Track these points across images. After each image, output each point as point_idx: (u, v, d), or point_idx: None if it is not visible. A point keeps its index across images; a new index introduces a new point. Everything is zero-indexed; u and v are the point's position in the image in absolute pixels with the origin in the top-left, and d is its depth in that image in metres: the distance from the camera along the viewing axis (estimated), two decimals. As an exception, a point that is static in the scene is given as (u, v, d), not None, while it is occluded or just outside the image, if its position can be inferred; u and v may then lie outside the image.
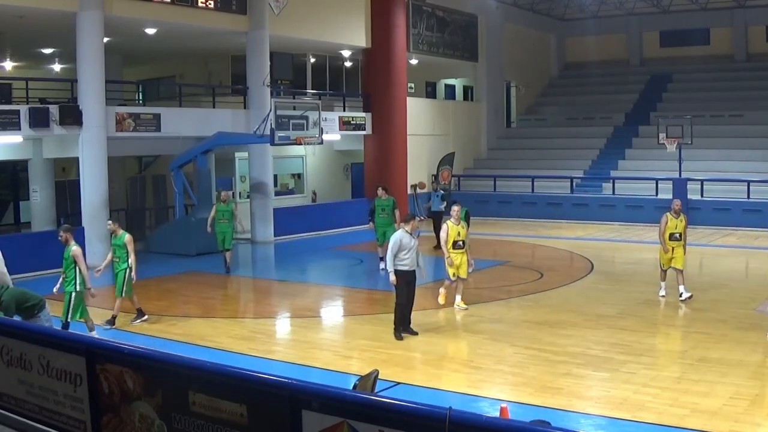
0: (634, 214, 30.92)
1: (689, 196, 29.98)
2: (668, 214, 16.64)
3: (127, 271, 14.69)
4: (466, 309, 15.61)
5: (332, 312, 17.26)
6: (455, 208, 15.80)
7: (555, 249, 25.05)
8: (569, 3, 42.02)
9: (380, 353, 12.83)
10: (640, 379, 11.05)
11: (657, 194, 31.38)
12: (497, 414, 7.92)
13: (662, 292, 16.73)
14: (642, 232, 27.80)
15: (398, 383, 10.98)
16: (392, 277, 13.56)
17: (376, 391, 7.82)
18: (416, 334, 13.68)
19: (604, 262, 22.35)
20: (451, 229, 15.57)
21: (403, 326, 13.69)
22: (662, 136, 30.47)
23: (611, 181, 33.35)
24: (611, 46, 44.31)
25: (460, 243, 15.56)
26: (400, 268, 13.54)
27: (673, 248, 16.42)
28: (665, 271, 16.78)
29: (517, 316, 14.45)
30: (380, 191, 21.11)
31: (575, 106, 41.35)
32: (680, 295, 16.21)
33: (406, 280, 13.69)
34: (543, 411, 9.55)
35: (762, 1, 39.17)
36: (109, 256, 15.18)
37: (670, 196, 30.33)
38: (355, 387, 7.55)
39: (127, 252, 14.74)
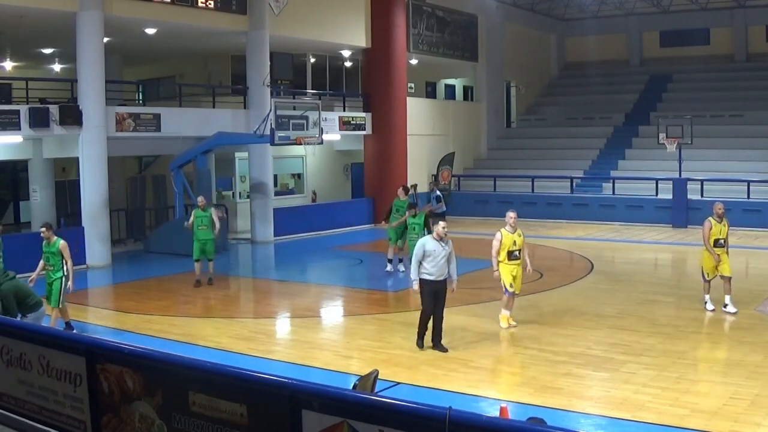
0: (634, 214, 30.93)
1: (689, 196, 29.99)
2: (711, 218, 15.47)
3: (63, 279, 13.91)
4: (515, 326, 14.32)
5: (332, 312, 17.27)
6: (510, 215, 14.27)
7: (555, 249, 25.04)
8: (569, 3, 42.03)
9: (380, 353, 12.84)
10: (640, 379, 11.05)
11: (657, 194, 31.40)
12: (497, 414, 7.92)
13: (710, 306, 15.46)
14: (642, 233, 27.82)
15: (398, 383, 10.99)
16: (415, 285, 12.60)
17: (376, 391, 7.82)
18: (446, 350, 12.62)
19: (604, 262, 22.36)
20: (505, 237, 14.01)
21: (433, 339, 12.72)
22: (662, 136, 30.48)
23: (611, 181, 33.35)
24: (611, 46, 44.32)
25: (517, 253, 14.08)
26: (424, 276, 12.49)
27: (718, 255, 15.24)
28: (709, 282, 15.54)
29: (516, 315, 14.42)
30: (400, 191, 20.88)
31: (575, 106, 41.36)
32: (724, 306, 15.25)
33: (432, 290, 12.51)
34: (543, 411, 9.53)
35: (762, 1, 39.17)
36: (41, 264, 14.27)
37: (670, 196, 30.42)
38: (355, 387, 7.55)
39: (63, 259, 13.97)
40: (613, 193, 32.76)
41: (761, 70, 39.63)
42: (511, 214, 14.29)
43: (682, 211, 30.11)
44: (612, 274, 20.81)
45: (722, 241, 15.31)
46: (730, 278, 15.30)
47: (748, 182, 30.07)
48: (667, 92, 40.48)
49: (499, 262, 14.01)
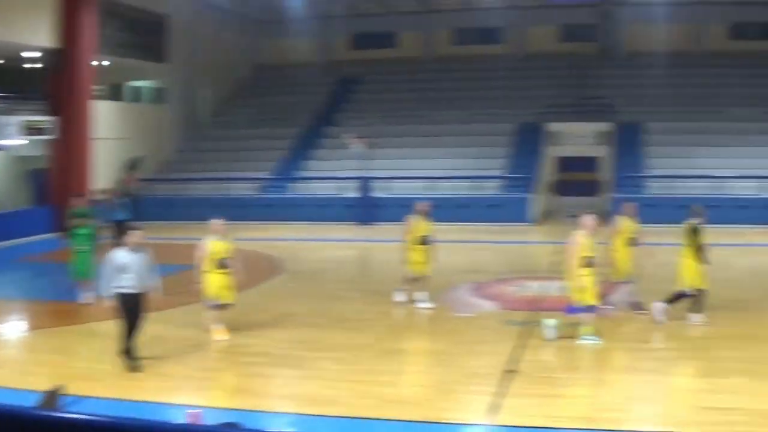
0: (321, 213, 31.61)
1: (376, 194, 31.17)
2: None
3: None
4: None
5: (13, 327, 16.01)
6: (217, 222, 13.71)
7: (244, 250, 24.90)
8: (263, 6, 42.15)
9: (67, 368, 12.08)
10: (331, 375, 11.21)
11: (343, 193, 32.31)
12: (190, 420, 7.67)
13: (401, 298, 15.89)
14: (329, 231, 28.47)
15: (85, 397, 10.37)
16: (107, 302, 11.73)
17: (60, 406, 7.32)
18: (138, 361, 11.68)
19: (292, 262, 22.58)
20: (212, 246, 13.47)
21: (127, 351, 11.68)
22: (349, 136, 31.39)
23: (298, 181, 33.87)
24: (303, 49, 44.87)
25: (226, 262, 13.50)
26: (121, 290, 11.54)
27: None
28: (416, 279, 15.86)
29: (206, 318, 14.14)
30: (80, 199, 19.78)
31: (265, 107, 41.55)
32: (413, 302, 15.75)
33: (129, 303, 11.57)
34: (236, 413, 9.40)
35: (449, 7, 41.57)
36: None
37: (357, 195, 31.39)
38: (40, 404, 7.02)
39: None
40: (301, 193, 33.29)
41: (447, 72, 41.89)
42: (217, 222, 13.78)
43: (368, 209, 31.15)
44: (301, 273, 21.05)
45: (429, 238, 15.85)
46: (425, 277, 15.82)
47: (431, 179, 31.72)
48: (356, 93, 41.72)
49: (204, 272, 13.38)
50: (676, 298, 13.93)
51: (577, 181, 36.60)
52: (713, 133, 34.63)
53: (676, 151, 33.54)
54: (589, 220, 13.06)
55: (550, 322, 12.85)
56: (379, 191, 31.82)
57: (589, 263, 12.78)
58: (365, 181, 31.45)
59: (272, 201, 33.04)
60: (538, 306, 15.77)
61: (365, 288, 18.60)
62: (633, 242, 15.13)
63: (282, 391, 10.73)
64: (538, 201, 33.08)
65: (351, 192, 32.08)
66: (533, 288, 17.82)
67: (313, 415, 9.64)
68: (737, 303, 13.80)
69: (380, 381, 10.80)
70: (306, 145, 37.51)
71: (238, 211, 32.42)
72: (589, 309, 12.71)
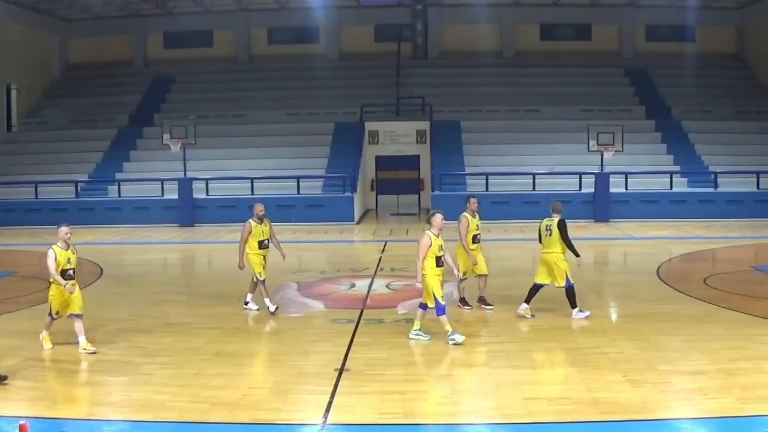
0: (141, 216, 31.07)
1: (195, 195, 30.87)
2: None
3: None
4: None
5: None
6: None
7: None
8: (73, 3, 40.78)
9: None
10: (159, 379, 11.01)
11: (163, 194, 31.79)
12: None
13: (272, 308, 15.08)
14: (150, 233, 27.93)
15: None
16: None
17: None
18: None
19: (113, 266, 22.03)
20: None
21: None
22: (166, 137, 30.95)
23: (117, 183, 33.03)
24: (116, 48, 43.83)
25: (71, 272, 12.59)
26: None
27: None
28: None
29: (28, 327, 13.59)
30: None
31: (79, 108, 40.26)
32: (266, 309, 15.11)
33: None
34: (65, 423, 9.25)
35: (264, 6, 41.49)
36: None
37: (176, 196, 30.94)
38: None
39: None
40: (119, 196, 32.51)
41: (263, 71, 41.82)
42: (64, 229, 12.65)
43: (188, 211, 30.78)
44: (122, 277, 20.58)
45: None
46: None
47: (252, 179, 31.66)
48: (171, 93, 41.07)
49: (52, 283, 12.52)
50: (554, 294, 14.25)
51: (397, 179, 37.43)
52: (530, 131, 36.15)
53: (493, 149, 34.84)
54: (438, 218, 12.82)
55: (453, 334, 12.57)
56: (199, 192, 31.48)
57: (439, 262, 12.64)
58: (185, 183, 31.01)
59: (90, 204, 32.12)
60: (364, 304, 16.02)
61: (189, 291, 18.37)
62: (476, 239, 15.00)
63: (110, 398, 10.45)
64: (359, 200, 33.56)
65: (171, 193, 31.57)
66: (358, 286, 18.08)
67: (144, 421, 9.48)
68: (560, 295, 14.40)
69: (212, 384, 10.70)
70: (124, 146, 36.61)
71: (55, 215, 31.35)
72: (440, 307, 12.53)
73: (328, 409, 9.58)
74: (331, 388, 10.35)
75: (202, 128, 31.92)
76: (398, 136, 37.61)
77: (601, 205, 30.96)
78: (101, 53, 43.51)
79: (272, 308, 15.07)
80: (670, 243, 25.10)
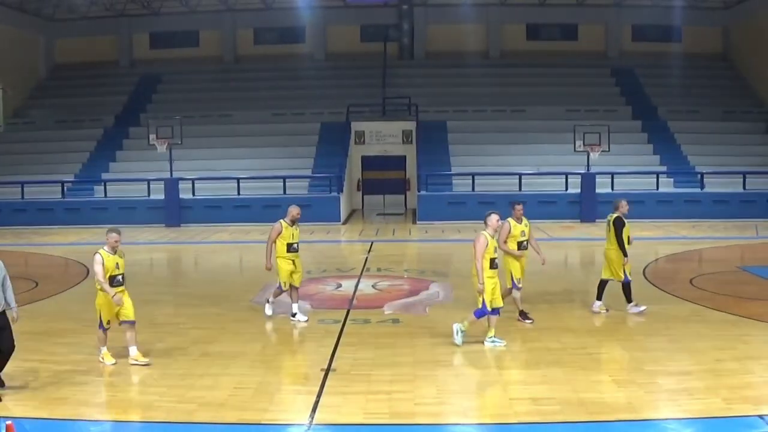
0: (127, 216, 30.89)
1: (181, 195, 30.81)
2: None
3: None
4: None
5: None
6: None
7: (49, 256, 24.07)
8: (59, 3, 40.64)
9: None
10: (146, 380, 11.02)
11: (149, 195, 31.71)
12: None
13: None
14: (136, 233, 27.79)
15: None
16: None
17: None
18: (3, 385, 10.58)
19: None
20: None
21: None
22: (153, 137, 30.86)
23: (103, 183, 32.94)
24: (102, 48, 43.70)
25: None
26: None
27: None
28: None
29: (13, 328, 13.53)
30: None
31: (65, 108, 40.10)
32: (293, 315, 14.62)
33: None
34: (52, 423, 9.24)
35: (250, 6, 41.60)
36: None
37: (162, 197, 30.85)
38: None
39: None
40: (106, 196, 32.40)
41: (249, 71, 41.78)
42: (114, 236, 12.12)
43: (174, 211, 30.74)
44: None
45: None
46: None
47: (238, 179, 31.64)
48: (157, 93, 40.96)
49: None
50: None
51: (383, 179, 37.42)
52: (516, 131, 36.19)
53: (479, 149, 34.84)
54: (494, 218, 12.36)
55: (457, 326, 12.48)
56: (185, 193, 31.43)
57: (493, 264, 12.20)
58: (171, 183, 30.95)
59: (77, 204, 32.02)
60: (350, 304, 16.02)
61: (176, 291, 18.32)
62: (522, 245, 14.20)
63: (97, 399, 10.43)
64: (345, 200, 33.55)
65: (157, 194, 31.50)
66: (345, 286, 18.07)
67: (130, 421, 9.47)
68: (546, 296, 14.43)
69: (198, 385, 10.68)
70: (110, 146, 36.51)
71: (41, 215, 31.38)
72: (495, 312, 12.29)
73: (314, 409, 9.59)
74: (317, 388, 10.36)
75: (188, 128, 31.86)
76: (384, 136, 37.60)
77: (588, 206, 30.98)
78: (87, 53, 43.32)
79: (303, 318, 14.43)
80: (657, 243, 25.16)
